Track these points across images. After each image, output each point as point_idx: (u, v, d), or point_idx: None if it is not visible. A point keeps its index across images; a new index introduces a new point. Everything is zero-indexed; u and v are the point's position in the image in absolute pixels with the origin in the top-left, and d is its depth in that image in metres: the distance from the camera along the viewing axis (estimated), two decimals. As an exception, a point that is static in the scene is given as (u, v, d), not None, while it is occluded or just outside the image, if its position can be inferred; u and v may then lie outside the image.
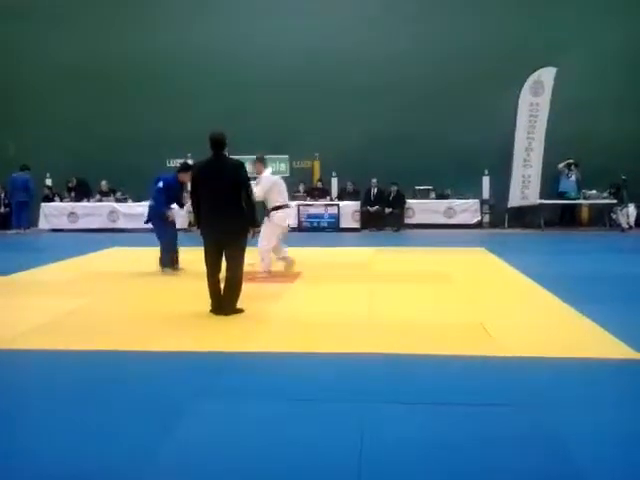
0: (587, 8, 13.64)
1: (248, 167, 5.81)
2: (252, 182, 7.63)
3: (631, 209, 13.34)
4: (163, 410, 3.33)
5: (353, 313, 5.54)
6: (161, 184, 7.80)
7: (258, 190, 7.02)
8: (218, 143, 5.40)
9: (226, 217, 5.36)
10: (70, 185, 14.94)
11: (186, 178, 7.37)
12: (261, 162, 7.48)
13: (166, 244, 7.82)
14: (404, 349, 4.36)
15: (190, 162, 7.83)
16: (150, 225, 8.11)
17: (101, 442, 2.96)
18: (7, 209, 14.49)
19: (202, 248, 5.53)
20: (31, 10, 14.79)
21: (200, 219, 5.55)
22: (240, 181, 5.39)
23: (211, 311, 5.52)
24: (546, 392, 3.58)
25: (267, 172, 7.50)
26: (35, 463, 2.78)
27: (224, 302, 5.49)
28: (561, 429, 3.06)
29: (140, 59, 14.58)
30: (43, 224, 14.49)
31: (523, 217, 14.12)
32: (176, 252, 7.93)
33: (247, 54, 14.33)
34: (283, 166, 15.01)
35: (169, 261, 7.81)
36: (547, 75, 13.43)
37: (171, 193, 7.82)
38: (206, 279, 5.53)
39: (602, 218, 13.74)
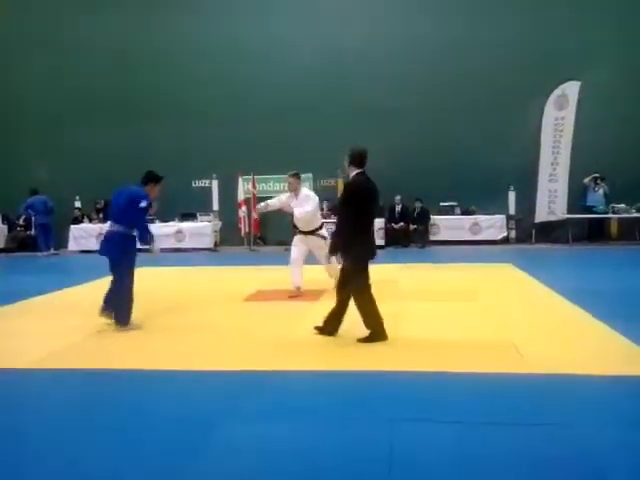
0: (611, 22, 13.53)
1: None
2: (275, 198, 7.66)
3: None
4: (194, 429, 3.35)
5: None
6: (144, 203, 5.76)
7: (310, 207, 7.05)
8: (365, 159, 5.27)
9: (373, 237, 5.39)
10: (98, 206, 15.21)
11: (155, 192, 6.04)
12: (298, 178, 7.39)
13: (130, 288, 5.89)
14: (434, 367, 4.31)
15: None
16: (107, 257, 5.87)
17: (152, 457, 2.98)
18: (37, 231, 14.77)
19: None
20: (68, 46, 15.31)
21: (350, 241, 5.07)
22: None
23: (380, 339, 5.07)
24: (582, 411, 3.50)
25: (306, 190, 7.48)
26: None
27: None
28: (600, 448, 3.00)
29: (165, 86, 14.97)
30: (72, 246, 14.75)
31: (550, 232, 13.92)
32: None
33: (269, 75, 14.52)
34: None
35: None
36: (571, 89, 13.34)
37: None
38: (373, 306, 5.18)
39: (632, 232, 13.49)
